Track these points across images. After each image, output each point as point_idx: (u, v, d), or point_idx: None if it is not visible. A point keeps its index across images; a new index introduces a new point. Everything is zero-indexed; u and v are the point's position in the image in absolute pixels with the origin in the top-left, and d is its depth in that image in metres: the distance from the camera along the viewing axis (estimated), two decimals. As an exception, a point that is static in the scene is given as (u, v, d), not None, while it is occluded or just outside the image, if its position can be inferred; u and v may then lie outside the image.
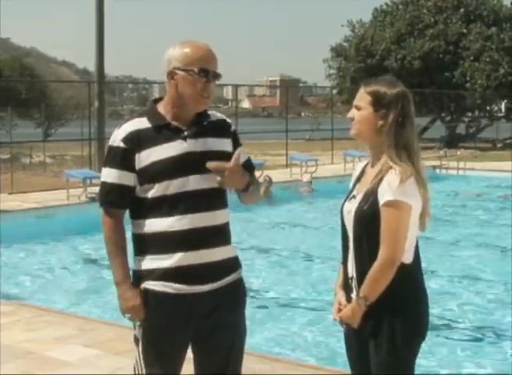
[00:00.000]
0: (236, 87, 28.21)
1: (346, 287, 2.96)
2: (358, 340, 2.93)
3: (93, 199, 12.81)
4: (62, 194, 13.86)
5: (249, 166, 3.06)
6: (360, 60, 36.01)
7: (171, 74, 2.86)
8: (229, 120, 3.07)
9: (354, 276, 2.89)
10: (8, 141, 21.35)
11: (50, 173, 20.21)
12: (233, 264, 2.99)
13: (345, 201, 2.99)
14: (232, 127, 3.05)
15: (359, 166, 3.10)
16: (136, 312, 2.85)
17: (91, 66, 19.73)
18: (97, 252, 10.37)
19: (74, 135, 23.96)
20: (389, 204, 2.76)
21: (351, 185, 3.05)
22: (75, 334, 5.69)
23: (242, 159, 3.02)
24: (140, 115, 2.95)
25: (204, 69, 2.83)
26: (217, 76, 2.88)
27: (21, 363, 5.04)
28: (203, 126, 2.92)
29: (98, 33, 18.32)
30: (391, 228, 2.76)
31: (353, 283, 2.90)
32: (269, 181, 15.30)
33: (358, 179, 3.02)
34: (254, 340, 5.52)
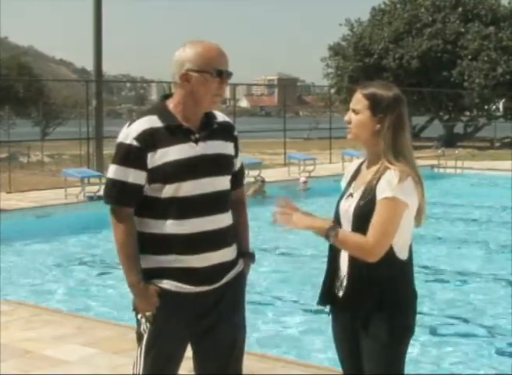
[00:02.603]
0: (234, 86, 28.16)
1: (333, 287, 2.96)
2: (348, 335, 2.94)
3: (91, 198, 12.80)
4: (60, 193, 13.83)
5: (240, 175, 3.09)
6: (358, 59, 36.02)
7: (185, 76, 2.83)
8: (232, 123, 3.08)
9: (346, 274, 2.89)
10: (6, 139, 21.36)
11: (48, 172, 20.17)
12: (235, 262, 3.02)
13: (340, 198, 2.99)
14: (235, 132, 3.05)
15: (354, 164, 3.10)
16: (154, 309, 2.84)
17: (89, 65, 19.78)
18: (96, 251, 10.37)
19: (72, 134, 23.97)
20: (385, 199, 2.77)
21: (345, 182, 3.04)
22: (73, 333, 5.68)
23: (236, 167, 3.04)
24: (150, 112, 2.90)
25: (218, 70, 2.82)
26: (229, 75, 2.88)
27: (19, 362, 5.03)
28: (212, 128, 2.92)
29: (96, 33, 18.31)
30: (382, 219, 2.76)
31: (344, 282, 2.90)
32: (262, 181, 15.50)
33: (354, 177, 3.02)
34: (253, 339, 5.52)
